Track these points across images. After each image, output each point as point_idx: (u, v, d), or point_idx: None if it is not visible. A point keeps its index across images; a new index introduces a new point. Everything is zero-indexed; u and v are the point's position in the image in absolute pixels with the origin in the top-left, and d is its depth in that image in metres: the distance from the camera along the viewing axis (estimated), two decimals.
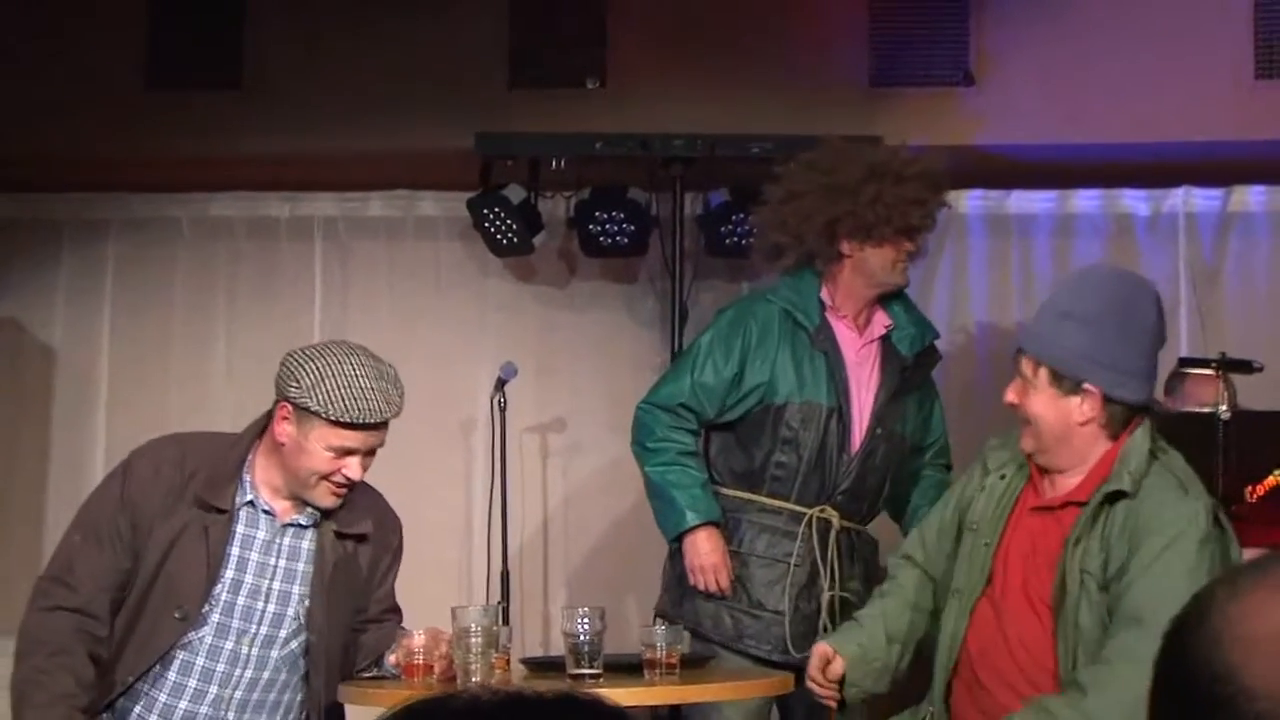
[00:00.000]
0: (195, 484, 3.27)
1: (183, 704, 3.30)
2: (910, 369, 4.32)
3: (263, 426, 3.33)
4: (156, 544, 3.26)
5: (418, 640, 3.29)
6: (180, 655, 3.29)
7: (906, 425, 4.36)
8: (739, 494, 4.26)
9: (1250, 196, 5.88)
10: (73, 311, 6.16)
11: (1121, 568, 3.06)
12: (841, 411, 4.19)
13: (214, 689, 3.31)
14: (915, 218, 4.20)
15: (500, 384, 5.09)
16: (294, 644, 3.34)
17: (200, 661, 3.31)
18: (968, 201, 5.97)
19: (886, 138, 5.27)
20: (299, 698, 3.38)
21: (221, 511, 3.26)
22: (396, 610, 3.53)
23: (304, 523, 3.33)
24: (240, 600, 3.31)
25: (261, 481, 3.32)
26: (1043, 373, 3.19)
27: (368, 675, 3.46)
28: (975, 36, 5.60)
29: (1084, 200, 5.96)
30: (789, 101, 5.57)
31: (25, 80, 5.68)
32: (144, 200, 6.13)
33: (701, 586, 4.19)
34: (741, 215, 5.57)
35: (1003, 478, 3.31)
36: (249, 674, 3.32)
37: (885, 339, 4.32)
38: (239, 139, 5.68)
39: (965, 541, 3.31)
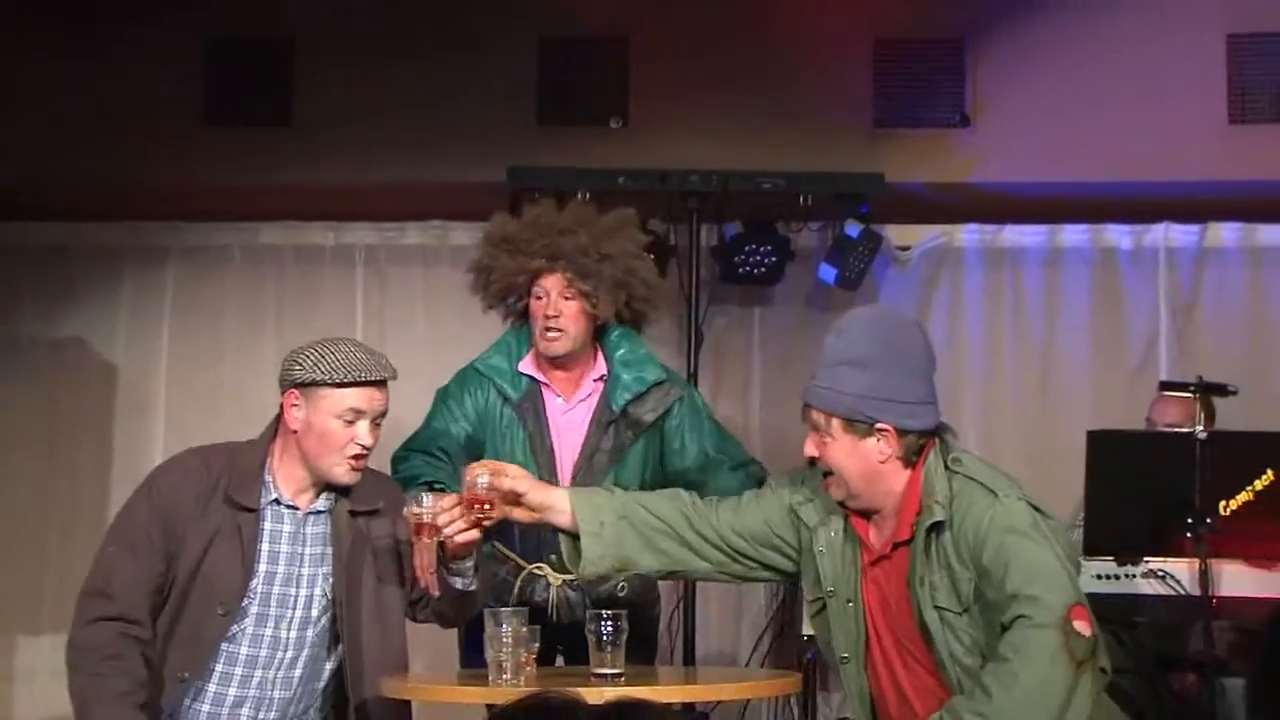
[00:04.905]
0: (222, 487, 3.35)
1: (231, 690, 3.38)
2: (620, 421, 4.04)
3: (275, 430, 3.44)
4: (192, 546, 3.33)
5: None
6: (225, 647, 3.36)
7: (632, 476, 4.04)
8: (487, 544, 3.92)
9: (1225, 233, 5.98)
10: (133, 332, 6.29)
11: (977, 584, 3.05)
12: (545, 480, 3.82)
13: (259, 672, 3.38)
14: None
15: None
16: (325, 619, 3.41)
17: (244, 650, 3.37)
18: (964, 235, 6.08)
19: (888, 175, 5.64)
20: (330, 666, 3.46)
21: (250, 510, 3.34)
22: None
23: (321, 508, 3.42)
24: (275, 590, 3.37)
25: (283, 478, 3.40)
26: (835, 423, 3.15)
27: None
28: (971, 81, 5.70)
29: (1072, 234, 6.03)
30: (798, 141, 5.66)
31: (93, 117, 5.81)
32: (199, 229, 6.23)
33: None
34: (753, 246, 5.82)
35: (835, 533, 3.25)
36: (289, 654, 3.40)
37: (604, 391, 4.07)
38: (287, 173, 5.78)
39: (830, 607, 3.24)
